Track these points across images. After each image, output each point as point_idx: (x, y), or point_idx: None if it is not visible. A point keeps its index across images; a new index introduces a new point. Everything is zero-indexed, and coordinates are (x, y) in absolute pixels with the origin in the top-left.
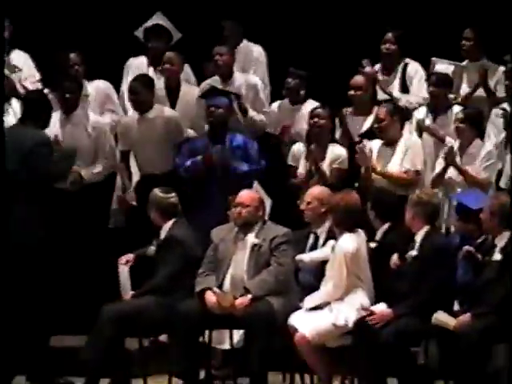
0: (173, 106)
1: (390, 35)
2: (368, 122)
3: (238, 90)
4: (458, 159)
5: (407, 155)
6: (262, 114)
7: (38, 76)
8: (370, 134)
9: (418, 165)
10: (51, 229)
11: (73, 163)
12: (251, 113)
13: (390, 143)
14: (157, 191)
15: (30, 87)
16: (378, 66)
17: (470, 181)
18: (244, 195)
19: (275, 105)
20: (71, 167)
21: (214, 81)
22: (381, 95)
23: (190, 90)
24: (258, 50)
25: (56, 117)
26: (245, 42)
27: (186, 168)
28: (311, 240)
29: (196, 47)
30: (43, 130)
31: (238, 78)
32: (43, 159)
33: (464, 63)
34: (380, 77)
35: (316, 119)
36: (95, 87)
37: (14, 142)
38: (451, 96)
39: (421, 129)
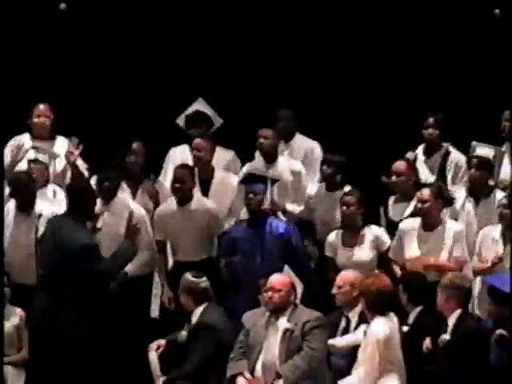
0: (205, 193)
1: (431, 120)
2: (411, 207)
3: (280, 175)
4: (501, 248)
5: (457, 243)
6: (301, 201)
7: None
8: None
9: (466, 254)
10: (95, 320)
11: (125, 264)
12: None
13: (430, 227)
14: (188, 275)
15: (81, 167)
16: (420, 149)
17: None
18: (275, 279)
19: (313, 190)
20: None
21: (257, 163)
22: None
23: (224, 177)
24: (313, 147)
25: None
26: (299, 136)
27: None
28: (343, 324)
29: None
30: (87, 221)
31: (282, 162)
32: (89, 263)
33: (504, 148)
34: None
35: (344, 207)
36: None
37: (61, 239)
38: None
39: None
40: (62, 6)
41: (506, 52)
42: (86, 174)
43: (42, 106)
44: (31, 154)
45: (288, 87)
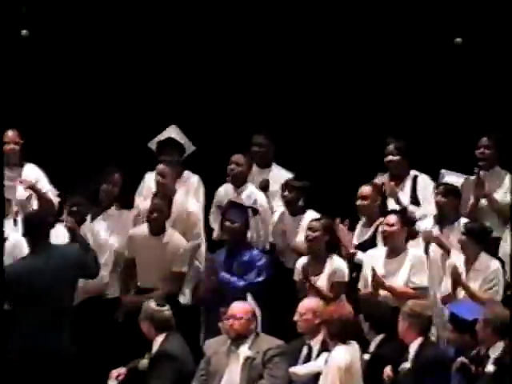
0: None
1: (391, 147)
2: (370, 232)
3: (249, 200)
4: (463, 275)
5: (414, 270)
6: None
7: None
8: (370, 244)
9: (424, 281)
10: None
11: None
12: None
13: (393, 254)
14: (151, 303)
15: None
16: (385, 176)
17: (475, 300)
18: (236, 307)
19: (276, 215)
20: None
21: (227, 188)
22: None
23: (182, 203)
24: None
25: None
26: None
27: None
28: (305, 352)
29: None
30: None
31: (250, 186)
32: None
33: (472, 177)
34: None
35: (309, 232)
36: None
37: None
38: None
39: (427, 239)
40: (24, 32)
41: (470, 79)
42: (54, 200)
43: (10, 133)
44: None
45: (260, 112)
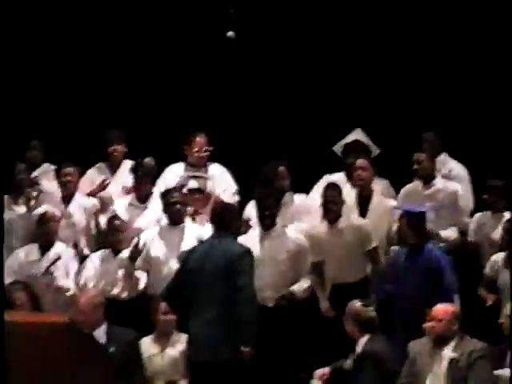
0: (363, 213)
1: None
2: None
3: (437, 196)
4: None
5: None
6: (460, 222)
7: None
8: None
9: None
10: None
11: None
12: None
13: None
14: (356, 303)
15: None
16: None
17: None
18: (438, 309)
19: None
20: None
21: (415, 185)
22: None
23: (382, 201)
24: (460, 168)
25: (255, 232)
26: (443, 156)
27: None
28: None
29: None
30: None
31: (439, 182)
32: (245, 269)
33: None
34: None
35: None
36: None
37: (215, 254)
38: None
39: None
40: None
41: None
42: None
43: (202, 140)
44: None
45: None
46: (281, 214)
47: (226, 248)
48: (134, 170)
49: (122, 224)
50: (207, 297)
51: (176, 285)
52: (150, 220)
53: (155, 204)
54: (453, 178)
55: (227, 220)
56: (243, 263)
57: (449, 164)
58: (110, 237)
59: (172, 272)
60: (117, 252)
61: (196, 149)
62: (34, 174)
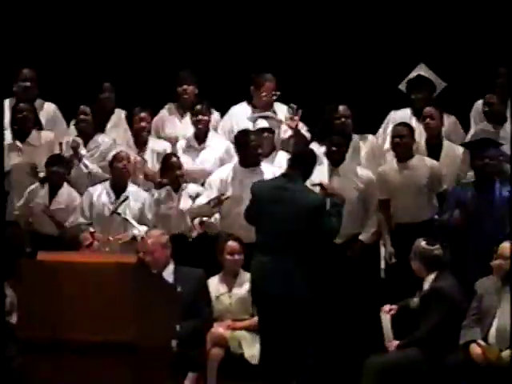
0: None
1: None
2: None
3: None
4: None
5: None
6: None
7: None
8: None
9: None
10: (318, 280)
11: (341, 215)
12: None
13: None
14: (421, 242)
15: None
16: None
17: None
18: (505, 247)
19: None
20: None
21: (486, 126)
22: None
23: (452, 147)
24: None
25: (324, 169)
26: None
27: (444, 220)
28: None
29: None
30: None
31: (509, 126)
32: (323, 220)
33: None
34: None
35: None
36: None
37: (291, 200)
38: None
39: None
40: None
41: None
42: (307, 136)
43: (272, 84)
44: (263, 123)
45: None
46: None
47: (302, 196)
48: (191, 109)
49: (179, 161)
50: (280, 236)
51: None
52: (211, 160)
53: (214, 143)
54: None
55: (309, 165)
56: (322, 213)
57: None
58: (169, 174)
59: None
60: (176, 189)
61: (265, 93)
62: (108, 126)
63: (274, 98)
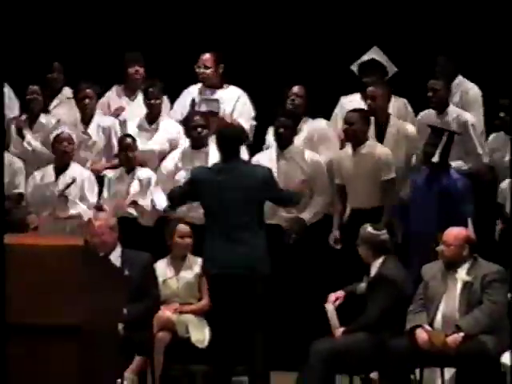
0: (380, 140)
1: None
2: None
3: (451, 124)
4: None
5: None
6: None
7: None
8: None
9: None
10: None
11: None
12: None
13: None
14: (368, 227)
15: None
16: None
17: None
18: (449, 233)
19: (492, 137)
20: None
21: (430, 113)
22: None
23: (398, 125)
24: (473, 90)
25: (271, 152)
26: (460, 78)
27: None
28: None
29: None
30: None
31: (452, 111)
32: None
33: None
34: None
35: None
36: (313, 126)
37: (239, 176)
38: None
39: None
40: None
41: None
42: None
43: (204, 56)
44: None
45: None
46: (297, 139)
47: (247, 173)
48: (145, 91)
49: (133, 142)
50: (233, 220)
51: (183, 192)
52: (162, 142)
53: (167, 125)
54: (467, 101)
55: (236, 144)
56: (273, 182)
57: (465, 85)
58: (122, 156)
59: None
60: (129, 170)
61: (198, 64)
62: (54, 102)
63: (208, 71)
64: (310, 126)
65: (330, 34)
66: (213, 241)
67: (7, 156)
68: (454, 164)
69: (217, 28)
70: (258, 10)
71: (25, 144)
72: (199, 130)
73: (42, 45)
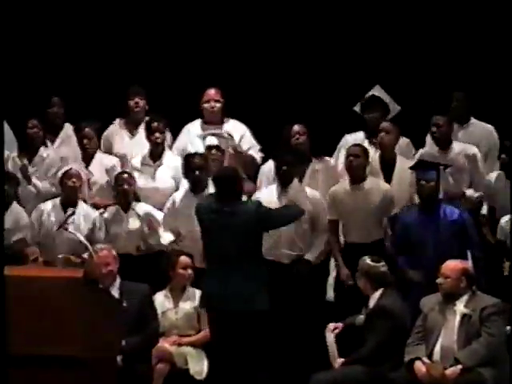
0: (387, 180)
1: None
2: None
3: (455, 160)
4: None
5: None
6: (479, 186)
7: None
8: None
9: None
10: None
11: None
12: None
13: None
14: (367, 259)
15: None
16: None
17: None
18: (447, 266)
19: (493, 175)
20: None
21: (431, 149)
22: None
23: (406, 164)
24: (487, 129)
25: (273, 189)
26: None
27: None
28: None
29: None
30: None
31: (456, 147)
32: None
33: None
34: None
35: None
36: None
37: (234, 217)
38: None
39: None
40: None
41: None
42: (257, 156)
43: (212, 91)
44: (212, 141)
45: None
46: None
47: (241, 211)
48: (147, 126)
49: (129, 177)
50: (232, 255)
51: None
52: (166, 179)
53: (169, 161)
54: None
55: (235, 185)
56: (263, 211)
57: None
58: (119, 190)
59: None
60: (126, 207)
61: (205, 101)
62: (57, 141)
63: (217, 105)
64: (325, 165)
65: (331, 72)
66: (211, 277)
67: (16, 208)
68: (468, 192)
69: (214, 64)
70: (261, 47)
71: (31, 188)
72: (197, 172)
73: (40, 79)
